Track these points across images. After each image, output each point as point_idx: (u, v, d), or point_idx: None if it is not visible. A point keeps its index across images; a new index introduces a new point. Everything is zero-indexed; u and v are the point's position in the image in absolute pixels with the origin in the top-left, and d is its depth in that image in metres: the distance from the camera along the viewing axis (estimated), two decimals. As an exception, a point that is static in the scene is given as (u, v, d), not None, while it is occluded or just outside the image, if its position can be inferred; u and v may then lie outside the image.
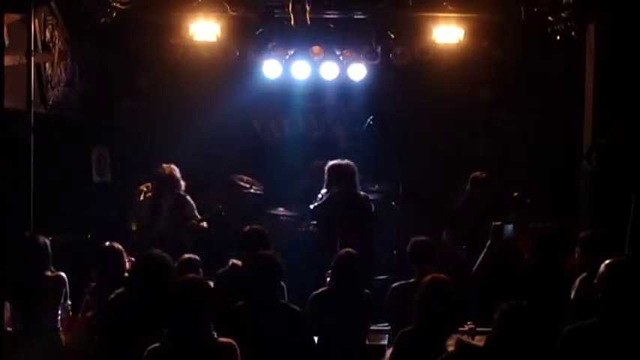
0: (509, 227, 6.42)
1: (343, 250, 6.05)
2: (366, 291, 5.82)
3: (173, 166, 7.88)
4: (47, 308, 5.41)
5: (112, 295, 5.02)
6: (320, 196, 7.70)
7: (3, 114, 3.96)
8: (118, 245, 5.82)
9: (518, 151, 9.27)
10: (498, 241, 6.18)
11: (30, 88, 7.00)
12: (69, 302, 5.59)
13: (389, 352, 4.76)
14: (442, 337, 3.99)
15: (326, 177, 7.63)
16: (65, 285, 5.53)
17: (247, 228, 6.13)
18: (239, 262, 5.84)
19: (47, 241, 5.59)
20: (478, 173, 7.76)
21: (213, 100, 9.53)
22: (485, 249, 6.17)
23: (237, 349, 4.07)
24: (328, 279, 6.16)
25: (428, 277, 4.70)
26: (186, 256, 5.93)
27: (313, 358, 5.20)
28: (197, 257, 5.87)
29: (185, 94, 9.64)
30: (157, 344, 4.01)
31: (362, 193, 7.79)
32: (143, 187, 8.15)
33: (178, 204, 7.85)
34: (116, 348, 4.78)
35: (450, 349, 3.83)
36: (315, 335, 5.44)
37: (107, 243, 5.86)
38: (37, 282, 5.42)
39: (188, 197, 7.90)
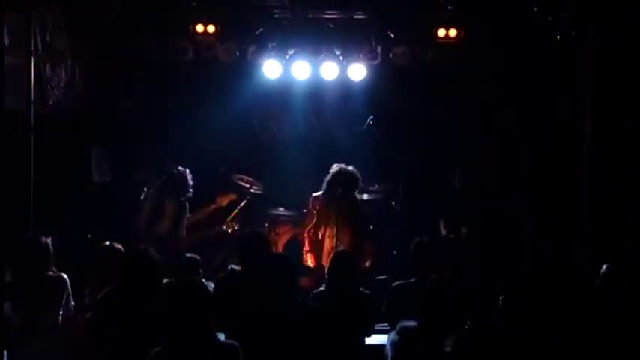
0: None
1: (339, 250, 6.09)
2: (366, 291, 5.82)
3: (187, 172, 7.96)
4: (48, 308, 5.41)
5: (101, 294, 5.04)
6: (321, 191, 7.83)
7: (3, 114, 3.96)
8: (118, 245, 5.82)
9: (519, 151, 9.26)
10: None
11: (30, 88, 7.00)
12: (72, 303, 5.59)
13: (390, 352, 4.74)
14: (445, 337, 3.99)
15: (329, 178, 7.75)
16: (67, 286, 5.54)
17: (247, 231, 6.14)
18: (238, 267, 5.85)
19: (49, 242, 5.58)
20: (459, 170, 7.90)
21: (213, 100, 9.53)
22: None
23: (240, 350, 4.06)
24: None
25: (434, 278, 4.71)
26: (187, 255, 5.93)
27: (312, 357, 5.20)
28: (197, 257, 5.87)
29: (185, 94, 9.64)
30: (159, 348, 4.01)
31: (359, 197, 7.94)
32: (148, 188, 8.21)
33: (179, 210, 7.92)
34: (109, 345, 4.78)
35: (447, 349, 3.83)
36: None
37: (107, 242, 5.86)
38: (38, 282, 5.42)
39: (187, 205, 8.02)
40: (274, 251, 8.50)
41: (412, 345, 4.51)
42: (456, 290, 4.58)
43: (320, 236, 7.86)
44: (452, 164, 9.26)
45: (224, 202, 8.65)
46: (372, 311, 5.83)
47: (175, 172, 8.00)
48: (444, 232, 8.20)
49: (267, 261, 5.17)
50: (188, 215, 8.17)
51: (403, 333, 4.60)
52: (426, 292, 4.63)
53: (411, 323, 4.57)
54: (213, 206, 8.59)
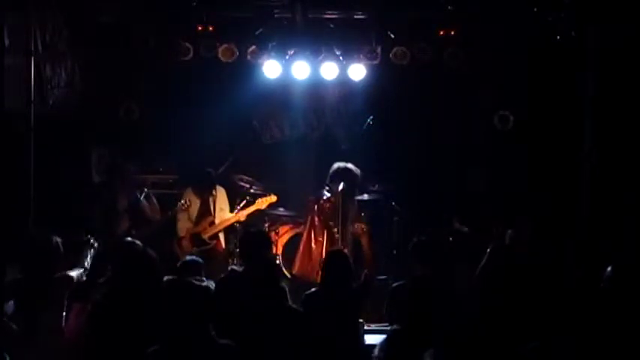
0: (510, 232, 6.45)
1: (332, 249, 6.11)
2: (354, 285, 5.83)
3: (130, 165, 8.08)
4: (53, 309, 5.40)
5: (98, 296, 5.04)
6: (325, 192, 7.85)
7: (3, 114, 3.97)
8: (138, 242, 5.80)
9: (519, 150, 9.27)
10: (501, 245, 6.20)
11: (30, 88, 7.00)
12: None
13: (378, 354, 4.71)
14: (429, 335, 3.97)
15: (329, 177, 7.79)
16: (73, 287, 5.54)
17: (250, 229, 6.14)
18: (238, 268, 5.85)
19: (59, 242, 5.57)
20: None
21: (213, 100, 9.53)
22: (488, 254, 6.17)
23: (237, 350, 4.05)
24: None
25: (414, 277, 4.68)
26: (188, 258, 5.93)
27: (310, 358, 5.20)
28: (199, 259, 5.86)
29: (185, 94, 9.64)
30: (156, 346, 4.00)
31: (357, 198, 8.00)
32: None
33: (133, 205, 8.03)
34: (106, 344, 4.78)
35: None
36: (311, 334, 5.44)
37: (129, 239, 5.86)
38: (46, 282, 5.41)
39: (142, 198, 8.14)
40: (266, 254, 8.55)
41: (398, 346, 4.47)
42: (437, 288, 4.52)
43: (325, 237, 7.85)
44: (452, 164, 9.28)
45: (264, 203, 8.70)
46: (360, 304, 5.84)
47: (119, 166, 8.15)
48: (457, 226, 8.21)
49: (250, 263, 5.17)
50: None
51: (390, 335, 4.57)
52: (406, 291, 4.60)
53: (401, 326, 4.54)
54: (252, 207, 8.64)
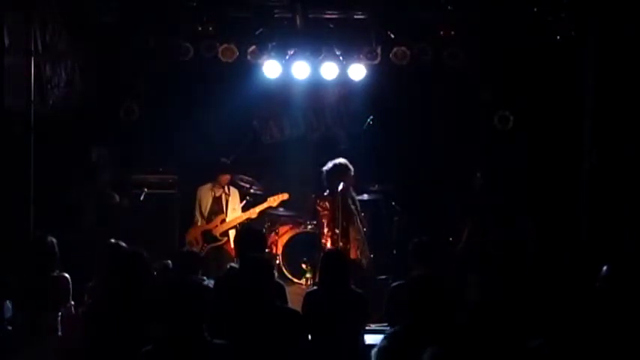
0: None
1: (329, 248, 6.10)
2: (358, 290, 5.81)
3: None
4: (50, 309, 5.41)
5: (90, 300, 5.03)
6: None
7: (3, 114, 3.97)
8: (123, 244, 5.81)
9: (519, 150, 9.27)
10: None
11: (30, 88, 7.01)
12: (72, 302, 5.60)
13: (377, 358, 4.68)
14: (432, 336, 3.95)
15: (327, 176, 7.79)
16: (69, 286, 5.55)
17: (245, 227, 6.15)
18: (236, 266, 5.86)
19: (54, 242, 5.58)
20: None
21: (213, 100, 9.53)
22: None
23: (231, 350, 4.04)
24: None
25: (415, 276, 4.64)
26: (186, 249, 5.93)
27: (307, 357, 5.19)
28: (199, 252, 5.85)
29: (185, 94, 9.64)
30: (150, 346, 3.99)
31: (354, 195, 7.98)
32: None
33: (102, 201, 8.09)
34: (102, 343, 4.78)
35: None
36: (309, 333, 5.44)
37: (113, 241, 5.86)
38: (42, 282, 5.42)
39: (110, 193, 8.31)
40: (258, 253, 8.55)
41: (397, 347, 4.43)
42: (439, 288, 4.48)
43: (335, 234, 7.83)
44: (451, 164, 9.28)
45: (275, 201, 8.75)
46: (363, 311, 5.80)
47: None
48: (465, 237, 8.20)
49: (244, 263, 5.17)
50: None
51: (389, 337, 4.53)
52: (407, 291, 4.57)
53: (399, 328, 4.50)
54: (264, 205, 8.69)
